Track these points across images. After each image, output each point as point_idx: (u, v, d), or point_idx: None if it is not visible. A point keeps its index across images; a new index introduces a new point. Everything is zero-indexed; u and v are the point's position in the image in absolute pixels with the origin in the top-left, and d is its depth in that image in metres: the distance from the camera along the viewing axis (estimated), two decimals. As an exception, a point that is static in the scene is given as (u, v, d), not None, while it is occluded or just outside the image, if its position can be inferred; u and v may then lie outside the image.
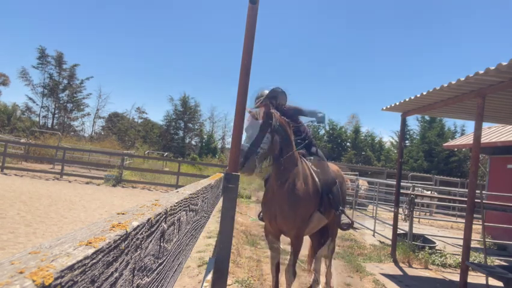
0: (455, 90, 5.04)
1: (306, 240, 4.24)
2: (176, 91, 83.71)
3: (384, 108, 6.99)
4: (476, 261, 5.78)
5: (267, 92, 3.49)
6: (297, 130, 3.61)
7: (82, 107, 38.23)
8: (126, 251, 0.50)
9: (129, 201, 10.08)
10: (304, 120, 3.75)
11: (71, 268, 0.34)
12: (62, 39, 53.37)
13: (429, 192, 13.87)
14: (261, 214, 3.75)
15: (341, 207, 3.54)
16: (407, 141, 33.50)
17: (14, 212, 6.71)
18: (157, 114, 66.68)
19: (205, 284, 1.86)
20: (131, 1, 59.81)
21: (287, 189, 3.03)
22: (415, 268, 6.02)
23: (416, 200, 8.12)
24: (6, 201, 7.67)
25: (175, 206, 0.81)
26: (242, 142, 2.81)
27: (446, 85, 4.89)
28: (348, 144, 37.29)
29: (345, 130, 38.05)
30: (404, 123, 7.24)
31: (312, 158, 3.54)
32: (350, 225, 3.72)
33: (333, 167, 3.95)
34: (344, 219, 3.65)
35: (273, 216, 3.14)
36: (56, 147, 17.80)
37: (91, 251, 0.39)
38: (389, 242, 7.17)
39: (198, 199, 1.20)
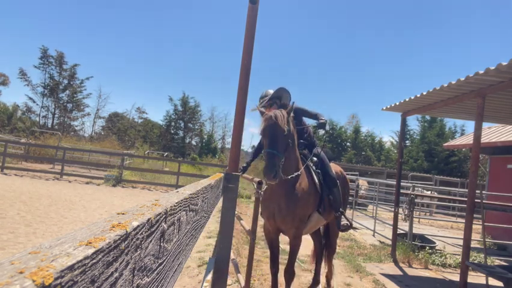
0: (455, 90, 5.04)
1: (306, 240, 4.24)
2: (176, 91, 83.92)
3: (384, 108, 6.99)
4: (476, 261, 5.78)
5: (271, 91, 3.48)
6: (301, 131, 3.61)
7: (82, 107, 38.23)
8: (126, 251, 0.50)
9: (129, 201, 10.08)
10: (309, 122, 3.76)
11: (71, 268, 0.34)
12: (62, 39, 53.42)
13: (429, 192, 13.87)
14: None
15: (341, 209, 3.54)
16: (407, 141, 33.50)
17: (14, 212, 6.71)
18: (157, 114, 66.82)
19: (205, 284, 1.86)
20: (132, 1, 59.85)
21: (286, 188, 3.03)
22: (415, 268, 6.02)
23: (416, 200, 8.12)
24: (6, 201, 7.67)
25: (175, 206, 0.81)
26: (268, 148, 2.73)
27: (446, 85, 4.89)
28: (348, 144, 37.29)
29: (345, 130, 38.05)
30: (404, 123, 7.24)
31: (314, 158, 3.54)
32: (348, 227, 3.73)
33: (336, 168, 3.95)
34: (343, 221, 3.65)
35: (272, 214, 3.15)
36: (56, 147, 17.80)
37: (91, 251, 0.39)
38: (389, 242, 7.17)
39: (198, 199, 1.20)
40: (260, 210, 3.35)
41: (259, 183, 2.69)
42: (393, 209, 7.39)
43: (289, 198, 3.02)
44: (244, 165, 3.71)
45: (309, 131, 3.73)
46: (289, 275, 3.20)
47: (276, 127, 2.80)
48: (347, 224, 3.72)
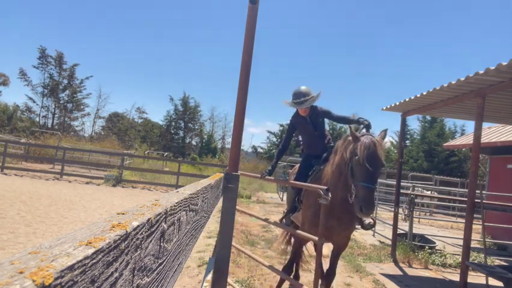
0: (455, 90, 5.04)
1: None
2: (176, 91, 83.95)
3: (384, 108, 6.99)
4: (476, 261, 5.78)
5: (304, 88, 3.41)
6: (323, 136, 3.62)
7: (82, 107, 38.25)
8: (126, 251, 0.50)
9: (129, 201, 10.08)
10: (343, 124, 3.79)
11: (71, 268, 0.34)
12: (62, 38, 53.50)
13: (429, 192, 13.86)
14: (284, 220, 3.76)
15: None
16: (407, 141, 33.49)
17: (14, 212, 6.71)
18: (157, 114, 66.77)
19: (205, 284, 1.87)
20: (132, 1, 59.85)
21: (345, 203, 2.96)
22: (415, 268, 6.02)
23: (416, 200, 8.11)
24: (6, 201, 7.66)
25: (175, 206, 0.81)
26: (366, 183, 2.57)
27: (446, 85, 4.89)
28: (348, 144, 37.24)
29: (345, 130, 38.06)
30: (404, 123, 7.24)
31: None
32: (372, 225, 3.70)
33: None
34: (366, 219, 3.62)
35: (329, 229, 3.03)
36: (56, 147, 17.79)
37: (91, 251, 0.39)
38: (389, 242, 7.17)
39: (198, 199, 1.20)
40: (301, 223, 3.34)
41: (327, 190, 2.62)
42: (393, 209, 7.38)
43: (350, 211, 2.97)
44: (270, 168, 3.64)
45: (328, 136, 3.70)
46: (333, 276, 3.36)
47: (377, 158, 2.61)
48: (371, 222, 3.68)
